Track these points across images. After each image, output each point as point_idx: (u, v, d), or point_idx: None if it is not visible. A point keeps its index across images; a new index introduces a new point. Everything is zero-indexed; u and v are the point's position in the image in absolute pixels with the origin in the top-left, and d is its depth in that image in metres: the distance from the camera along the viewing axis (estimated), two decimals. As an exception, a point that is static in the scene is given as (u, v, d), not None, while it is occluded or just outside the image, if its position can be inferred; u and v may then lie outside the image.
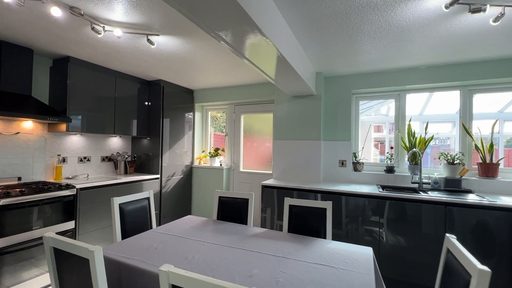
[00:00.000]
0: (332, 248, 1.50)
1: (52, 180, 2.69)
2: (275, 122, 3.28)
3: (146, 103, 3.54)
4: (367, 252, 1.46)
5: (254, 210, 3.56)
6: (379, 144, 3.74)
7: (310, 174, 3.05)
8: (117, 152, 3.45)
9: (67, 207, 2.36)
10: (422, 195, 2.26)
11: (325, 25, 1.86)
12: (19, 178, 2.50)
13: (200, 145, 4.26)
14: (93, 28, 1.82)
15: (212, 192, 3.91)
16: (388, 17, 1.74)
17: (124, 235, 1.79)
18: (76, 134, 2.97)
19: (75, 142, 2.99)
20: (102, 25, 1.86)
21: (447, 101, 2.92)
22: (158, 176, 3.43)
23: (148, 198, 2.07)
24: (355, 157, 3.10)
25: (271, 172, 3.68)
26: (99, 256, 1.00)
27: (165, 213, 3.54)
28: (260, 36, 1.47)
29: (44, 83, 2.71)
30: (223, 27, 1.38)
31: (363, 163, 3.05)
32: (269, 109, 3.74)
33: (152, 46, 2.08)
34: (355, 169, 3.06)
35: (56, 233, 2.30)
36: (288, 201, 1.94)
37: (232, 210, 2.14)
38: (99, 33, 1.87)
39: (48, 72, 2.75)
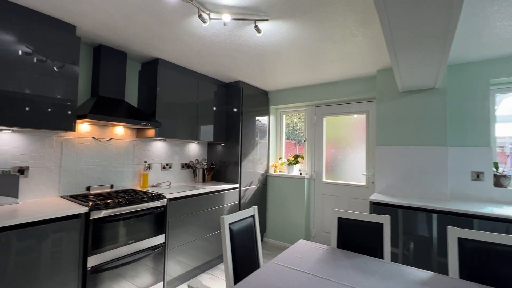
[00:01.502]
0: None
1: (139, 188, 2.58)
2: (378, 124, 2.71)
3: (224, 106, 3.32)
4: None
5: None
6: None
7: (431, 189, 2.39)
8: (196, 159, 3.27)
9: (158, 219, 2.17)
10: None
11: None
12: (112, 186, 2.42)
13: (275, 151, 3.89)
14: (200, 16, 1.56)
15: (290, 204, 3.47)
16: None
17: (235, 267, 1.44)
18: (160, 140, 2.86)
19: (159, 148, 2.88)
20: (208, 12, 1.60)
21: None
22: (237, 185, 3.14)
23: (253, 216, 1.71)
24: (496, 168, 2.34)
25: (363, 184, 3.09)
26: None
27: (243, 226, 3.22)
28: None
29: (133, 88, 2.65)
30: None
31: (510, 176, 2.27)
32: (360, 110, 3.18)
33: (258, 34, 1.76)
34: (497, 184, 2.30)
35: (148, 248, 2.12)
36: (455, 233, 1.37)
37: (357, 237, 1.65)
38: (205, 22, 1.61)
39: (137, 77, 2.68)
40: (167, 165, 2.96)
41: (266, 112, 3.72)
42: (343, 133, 3.37)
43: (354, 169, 3.23)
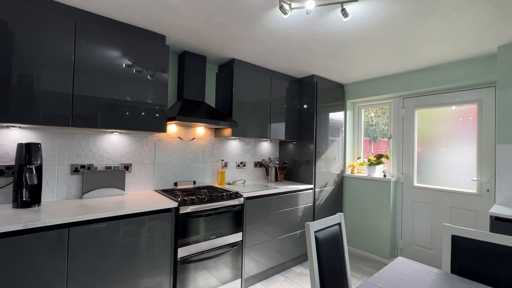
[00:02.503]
0: None
1: (217, 185, 2.70)
2: (500, 116, 2.11)
3: (296, 103, 3.18)
4: None
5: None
6: None
7: None
8: (268, 158, 3.24)
9: (236, 217, 2.20)
10: None
11: None
12: (194, 182, 2.60)
13: (351, 150, 3.54)
14: (281, 7, 1.46)
15: (371, 210, 3.09)
16: None
17: (321, 279, 1.30)
18: (235, 139, 2.93)
19: (234, 147, 2.96)
20: (289, 2, 1.48)
21: None
22: (311, 186, 2.96)
23: (339, 224, 1.53)
24: None
25: (473, 191, 2.47)
26: None
27: (317, 229, 3.03)
28: None
29: (211, 90, 2.78)
30: None
31: None
32: (468, 99, 2.55)
33: (345, 19, 1.55)
34: None
35: (228, 245, 2.18)
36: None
37: (481, 263, 1.28)
38: (286, 13, 1.50)
39: (214, 79, 2.81)
40: (241, 163, 3.02)
41: (342, 107, 3.41)
42: (438, 129, 2.78)
43: (457, 172, 2.62)
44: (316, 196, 3.01)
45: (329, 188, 3.20)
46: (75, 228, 1.45)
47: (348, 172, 3.43)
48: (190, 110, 2.20)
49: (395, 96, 3.10)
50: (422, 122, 2.93)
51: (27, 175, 1.59)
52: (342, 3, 1.46)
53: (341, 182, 3.38)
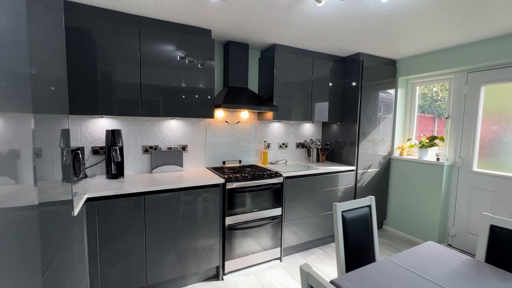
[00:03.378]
0: None
1: (260, 164, 2.95)
2: None
3: (340, 83, 3.11)
4: None
5: None
6: None
7: None
8: (310, 139, 3.33)
9: (276, 194, 2.44)
10: None
11: None
12: (240, 161, 2.90)
13: (402, 131, 3.34)
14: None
15: (421, 194, 2.95)
16: None
17: (347, 254, 1.44)
18: (278, 121, 3.09)
19: (276, 129, 3.13)
20: (323, -11, 1.50)
21: None
22: (353, 168, 2.97)
23: (369, 206, 1.61)
24: None
25: (550, 180, 2.16)
26: None
27: (358, 210, 3.07)
28: None
29: (254, 75, 2.94)
30: None
31: None
32: (554, 72, 2.14)
33: (383, 1, 1.49)
34: None
35: (268, 217, 2.45)
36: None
37: (522, 255, 1.24)
38: (320, 2, 1.52)
39: (257, 64, 2.95)
40: (283, 144, 3.19)
41: (392, 85, 3.19)
42: (509, 108, 2.41)
43: (531, 157, 2.29)
44: (358, 178, 3.02)
45: (374, 170, 3.14)
46: (149, 196, 1.88)
47: (396, 154, 3.28)
48: (234, 97, 2.43)
49: (457, 71, 2.76)
50: (490, 100, 2.58)
51: (113, 154, 2.08)
52: (379, -16, 1.41)
53: (388, 164, 3.27)
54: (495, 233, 1.32)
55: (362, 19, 2.00)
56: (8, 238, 0.60)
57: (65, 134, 1.17)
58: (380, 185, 3.23)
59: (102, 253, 1.74)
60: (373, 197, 1.63)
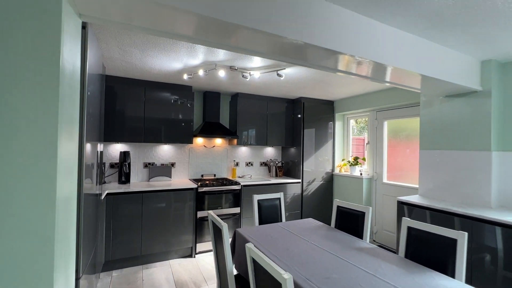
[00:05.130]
0: None
1: (230, 177, 3.97)
2: (422, 128, 2.81)
3: (291, 117, 4.22)
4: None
5: (381, 225, 3.21)
6: None
7: (473, 195, 2.35)
8: (270, 159, 4.37)
9: (236, 197, 3.43)
10: None
11: None
12: (214, 175, 3.94)
13: (341, 152, 4.37)
14: (243, 76, 2.64)
15: (351, 200, 3.90)
16: None
17: (261, 222, 2.43)
18: (244, 146, 4.16)
19: (244, 151, 4.19)
20: (247, 72, 2.64)
21: None
22: (299, 180, 3.97)
23: (279, 199, 2.62)
24: None
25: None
26: (226, 230, 1.61)
27: (307, 213, 4.02)
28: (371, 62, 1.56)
29: (226, 112, 4.08)
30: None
31: None
32: (416, 113, 3.20)
33: (281, 78, 2.63)
34: None
35: (230, 214, 3.42)
36: (405, 222, 1.75)
37: (349, 221, 2.21)
38: (246, 78, 2.67)
39: (228, 105, 4.10)
40: (249, 163, 4.24)
41: (331, 118, 4.29)
42: (404, 136, 3.45)
43: (414, 171, 3.28)
44: (304, 188, 4.01)
45: (318, 183, 4.13)
46: (146, 194, 2.91)
47: (337, 170, 4.28)
48: (208, 129, 3.53)
49: (371, 110, 3.85)
50: (390, 130, 3.63)
51: (123, 168, 3.15)
52: (276, 71, 2.55)
53: (331, 178, 4.26)
54: (339, 210, 2.30)
55: (288, 81, 3.13)
56: (91, 208, 1.66)
57: (101, 154, 2.25)
58: (325, 194, 4.19)
59: (114, 228, 2.74)
60: (282, 193, 2.63)
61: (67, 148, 1.06)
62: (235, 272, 1.79)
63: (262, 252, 1.35)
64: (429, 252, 1.60)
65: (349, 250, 1.70)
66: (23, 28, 0.88)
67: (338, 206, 2.33)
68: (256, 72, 2.59)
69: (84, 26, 1.44)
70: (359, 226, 2.11)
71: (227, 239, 1.62)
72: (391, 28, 1.72)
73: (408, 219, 1.78)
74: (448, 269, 1.49)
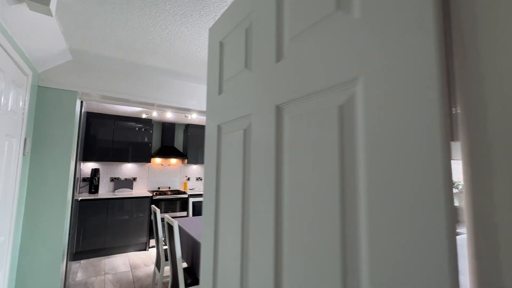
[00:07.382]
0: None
1: (182, 190, 5.01)
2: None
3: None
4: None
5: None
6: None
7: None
8: (217, 175, 5.50)
9: (184, 204, 4.48)
10: None
11: None
12: (169, 187, 4.96)
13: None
14: (185, 116, 3.84)
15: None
16: None
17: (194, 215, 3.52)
18: (194, 164, 5.27)
19: (194, 169, 5.30)
20: (188, 114, 3.85)
21: None
22: (237, 191, 5.13)
23: (209, 201, 3.75)
24: None
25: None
26: (176, 227, 2.70)
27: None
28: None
29: (180, 138, 5.20)
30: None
31: None
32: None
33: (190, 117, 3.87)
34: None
35: (178, 216, 4.44)
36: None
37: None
38: (188, 117, 3.86)
39: (182, 132, 5.24)
40: (199, 178, 5.33)
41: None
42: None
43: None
44: (241, 197, 5.16)
45: (253, 193, 5.32)
46: (111, 200, 3.86)
47: (269, 183, 5.53)
48: (163, 151, 4.62)
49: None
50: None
51: (93, 181, 4.08)
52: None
53: (263, 190, 5.49)
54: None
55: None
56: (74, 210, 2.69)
57: (79, 170, 3.24)
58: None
59: (84, 225, 3.64)
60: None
61: (72, 166, 2.14)
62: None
63: (183, 228, 2.44)
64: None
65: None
66: (59, 117, 2.00)
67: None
68: (194, 113, 3.80)
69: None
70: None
71: (177, 232, 2.70)
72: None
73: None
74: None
